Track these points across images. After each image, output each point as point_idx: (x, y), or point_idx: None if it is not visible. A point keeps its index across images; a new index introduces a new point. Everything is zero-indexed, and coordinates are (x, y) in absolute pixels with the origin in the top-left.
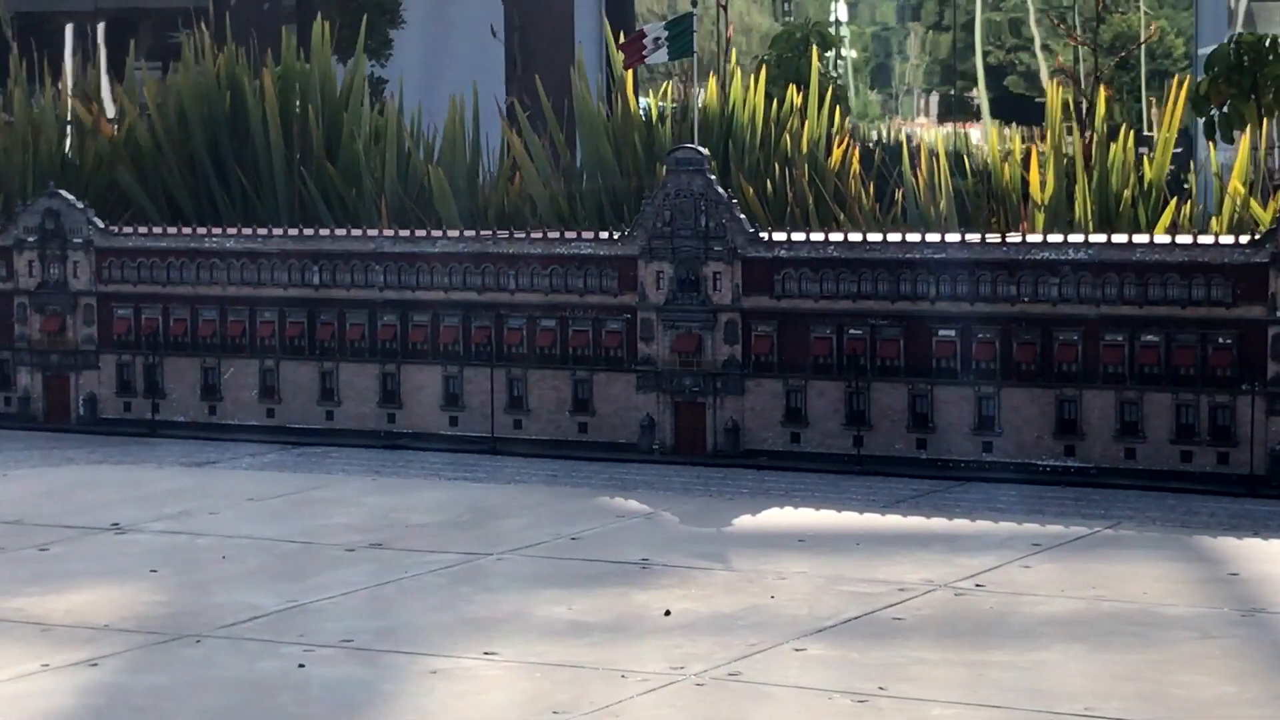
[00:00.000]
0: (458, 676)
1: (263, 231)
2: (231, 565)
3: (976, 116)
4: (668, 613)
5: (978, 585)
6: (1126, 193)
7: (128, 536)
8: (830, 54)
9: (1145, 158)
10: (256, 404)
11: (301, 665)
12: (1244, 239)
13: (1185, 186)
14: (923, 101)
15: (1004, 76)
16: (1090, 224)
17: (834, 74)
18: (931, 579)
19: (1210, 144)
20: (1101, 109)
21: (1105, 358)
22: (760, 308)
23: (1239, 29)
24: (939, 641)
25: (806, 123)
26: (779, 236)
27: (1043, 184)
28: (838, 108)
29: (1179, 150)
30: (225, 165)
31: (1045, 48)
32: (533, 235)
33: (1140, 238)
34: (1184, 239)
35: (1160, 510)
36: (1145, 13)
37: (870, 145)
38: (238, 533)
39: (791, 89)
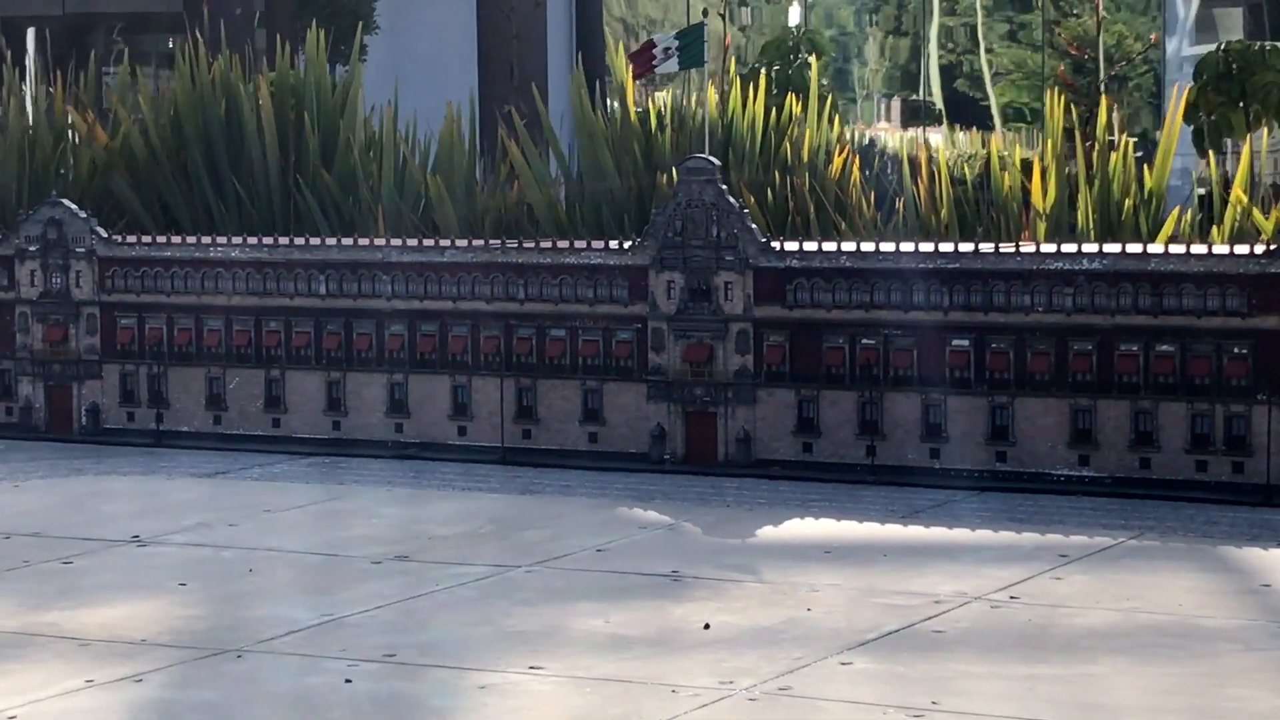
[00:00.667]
0: (507, 691)
1: (269, 241)
2: (260, 578)
3: (940, 121)
4: (707, 626)
5: (1012, 597)
6: (1128, 201)
7: (150, 549)
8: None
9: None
10: (262, 414)
11: (349, 680)
12: (1259, 249)
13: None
14: (883, 106)
15: (954, 79)
16: (1092, 232)
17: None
18: (965, 591)
19: (1211, 152)
20: (1103, 118)
21: (1120, 368)
22: (772, 317)
23: (1189, 34)
24: (983, 655)
25: (807, 131)
26: (791, 246)
27: (1044, 193)
28: (836, 116)
29: (1140, 155)
30: (220, 173)
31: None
32: (542, 245)
33: (1155, 248)
34: (1199, 249)
35: (1179, 520)
36: (1103, 16)
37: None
38: (261, 545)
39: (791, 97)
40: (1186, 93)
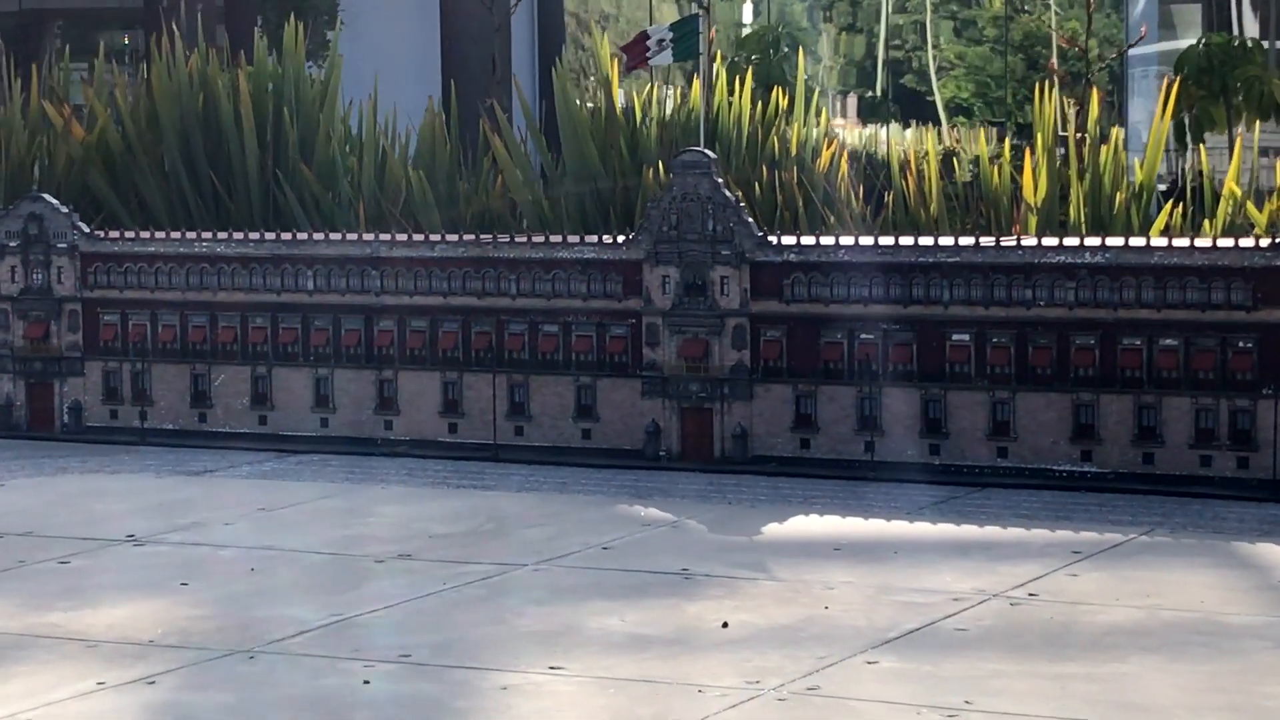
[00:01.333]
0: (530, 692)
1: (254, 236)
2: (262, 578)
3: (897, 117)
4: (725, 624)
5: (1031, 595)
6: (1119, 195)
7: (147, 548)
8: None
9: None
10: (248, 411)
11: (367, 682)
12: (1265, 242)
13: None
14: (838, 103)
15: (902, 75)
16: (1084, 226)
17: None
18: (982, 588)
19: (1201, 145)
20: (1094, 112)
21: (1123, 362)
22: (769, 312)
23: (1145, 31)
24: (1010, 653)
25: (795, 125)
26: (788, 240)
27: (1035, 187)
28: (824, 111)
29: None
30: (198, 167)
31: (936, 46)
32: (534, 240)
33: (1158, 241)
34: (1203, 242)
35: (1186, 516)
36: (1056, 13)
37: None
38: (259, 544)
39: (777, 91)
40: (1176, 84)
